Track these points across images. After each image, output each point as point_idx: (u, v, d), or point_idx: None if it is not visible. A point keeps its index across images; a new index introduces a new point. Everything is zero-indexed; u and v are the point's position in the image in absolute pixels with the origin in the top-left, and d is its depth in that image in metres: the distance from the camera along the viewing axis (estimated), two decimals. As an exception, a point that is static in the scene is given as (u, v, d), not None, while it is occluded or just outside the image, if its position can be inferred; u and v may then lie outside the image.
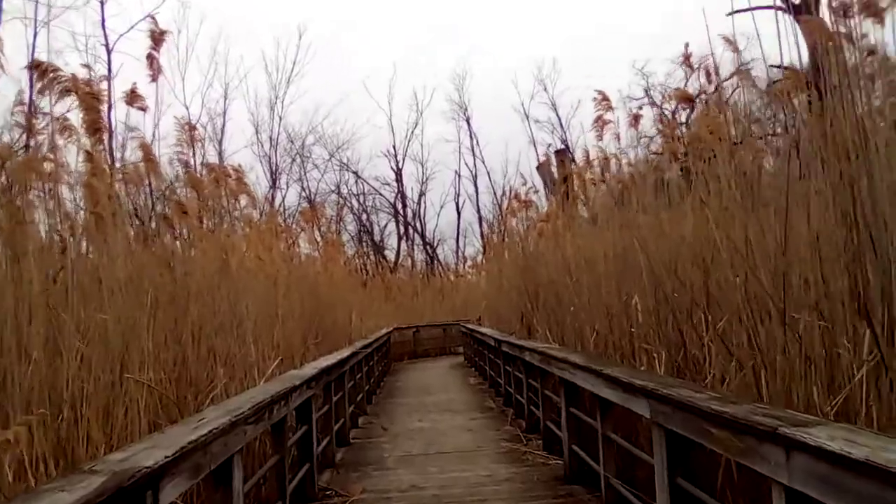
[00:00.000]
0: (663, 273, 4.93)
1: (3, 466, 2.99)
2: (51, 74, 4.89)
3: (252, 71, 40.31)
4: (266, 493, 4.58)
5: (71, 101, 5.59)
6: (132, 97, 6.91)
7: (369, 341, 10.94)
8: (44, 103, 5.38)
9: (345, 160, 36.00)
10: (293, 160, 34.75)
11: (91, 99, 5.19)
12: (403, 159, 37.13)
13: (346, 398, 7.52)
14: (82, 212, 5.58)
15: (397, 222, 37.19)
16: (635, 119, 7.36)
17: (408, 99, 40.94)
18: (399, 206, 37.12)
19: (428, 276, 30.39)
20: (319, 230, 18.56)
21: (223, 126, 30.59)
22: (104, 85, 6.64)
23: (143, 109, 7.00)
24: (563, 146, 29.14)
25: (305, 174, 35.22)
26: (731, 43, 5.55)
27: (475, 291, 21.52)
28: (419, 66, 47.63)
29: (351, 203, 36.66)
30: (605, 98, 7.27)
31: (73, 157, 5.56)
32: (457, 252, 36.39)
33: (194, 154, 8.63)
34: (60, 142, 5.70)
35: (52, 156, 5.11)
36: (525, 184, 14.95)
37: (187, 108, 26.09)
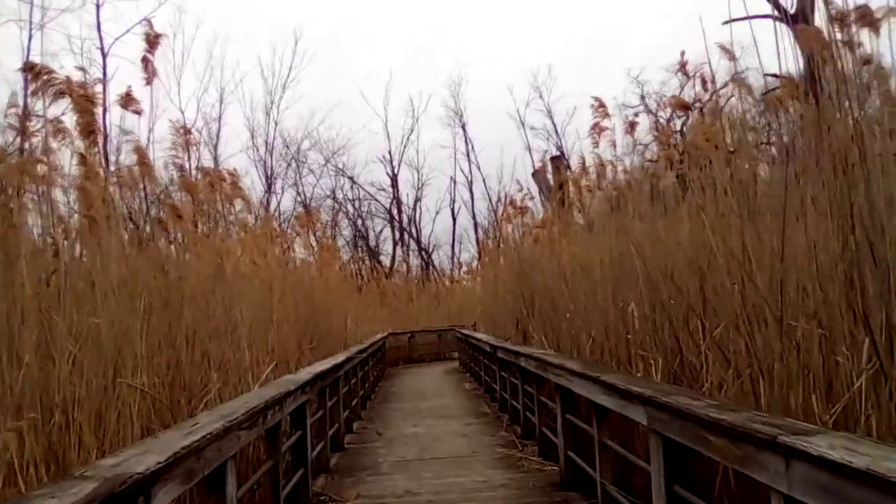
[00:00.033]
0: (659, 279, 4.92)
1: (-6, 471, 2.96)
2: (45, 77, 4.87)
3: (248, 75, 40.41)
4: (260, 498, 4.54)
5: (65, 103, 5.58)
6: (127, 100, 6.88)
7: (364, 346, 10.91)
8: (38, 106, 5.36)
9: (340, 165, 36.03)
10: (289, 165, 34.77)
11: (85, 101, 5.17)
12: (399, 165, 37.18)
13: (341, 403, 7.48)
14: (76, 215, 5.56)
15: (393, 228, 37.19)
16: (631, 126, 7.38)
17: (404, 105, 40.88)
18: (395, 211, 37.12)
19: (423, 281, 30.37)
20: (315, 235, 18.55)
21: (219, 130, 30.58)
22: (99, 88, 6.59)
23: (138, 113, 6.97)
24: (558, 153, 29.20)
25: (301, 179, 35.23)
26: (727, 51, 5.57)
27: (470, 297, 21.49)
28: (415, 73, 47.70)
29: (346, 208, 36.67)
30: (602, 105, 7.29)
31: (67, 160, 5.54)
32: (452, 258, 36.43)
33: (189, 158, 8.60)
34: (54, 144, 5.68)
35: (45, 158, 5.07)
36: (521, 190, 14.93)
37: (183, 113, 26.04)
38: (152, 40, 6.99)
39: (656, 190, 6.80)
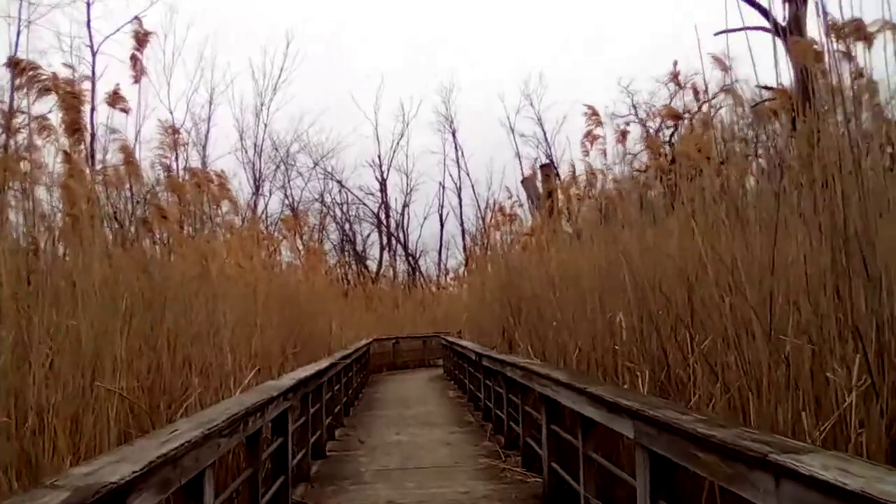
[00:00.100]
0: (648, 290, 4.90)
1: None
2: (30, 73, 4.78)
3: (238, 77, 40.15)
4: (238, 506, 4.46)
5: (52, 100, 5.50)
6: (114, 98, 6.80)
7: (349, 352, 10.82)
8: (25, 102, 5.27)
9: (329, 169, 35.92)
10: (277, 167, 34.61)
11: (71, 99, 5.09)
12: (388, 170, 37.14)
13: (324, 410, 7.39)
14: (60, 214, 5.46)
15: (380, 232, 37.09)
16: (623, 135, 7.39)
17: (394, 109, 41.02)
18: (382, 216, 37.04)
19: (409, 287, 30.30)
20: (302, 238, 18.46)
21: (207, 131, 30.37)
22: (86, 85, 6.51)
23: (126, 111, 6.90)
24: (547, 161, 29.27)
25: (289, 182, 35.08)
26: (719, 61, 5.58)
27: (456, 304, 21.44)
28: (406, 78, 47.77)
29: (334, 212, 36.55)
30: (595, 113, 7.29)
31: (51, 158, 5.46)
32: (439, 264, 36.37)
33: (177, 158, 8.52)
34: (39, 142, 5.59)
35: (28, 155, 4.98)
36: (510, 197, 14.92)
37: (172, 113, 25.83)
38: (141, 38, 6.92)
39: (645, 199, 6.80)
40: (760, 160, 5.77)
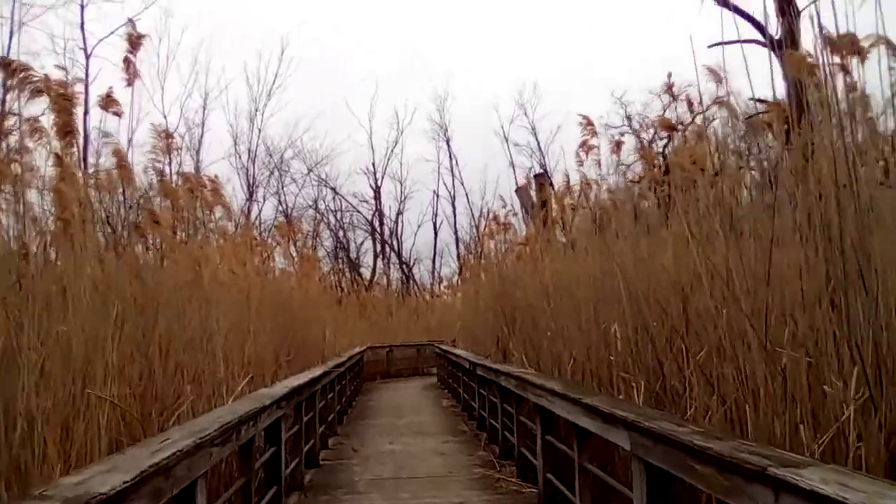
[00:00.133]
0: (642, 301, 4.89)
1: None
2: (21, 74, 4.74)
3: (233, 82, 40.07)
4: (230, 516, 4.41)
5: (44, 103, 5.45)
6: (107, 101, 6.77)
7: (342, 360, 10.77)
8: (16, 104, 5.23)
9: (323, 175, 35.86)
10: (271, 173, 34.51)
11: (63, 101, 5.05)
12: (382, 177, 37.12)
13: (317, 418, 7.34)
14: (52, 217, 5.42)
15: (374, 240, 37.05)
16: (617, 146, 7.41)
17: (389, 117, 40.92)
18: (376, 223, 37.01)
19: (403, 295, 30.25)
20: (295, 245, 18.39)
21: (201, 136, 30.24)
22: (79, 88, 6.45)
23: (119, 115, 6.86)
24: (541, 170, 29.34)
25: (283, 188, 35.00)
26: (714, 73, 5.60)
27: (450, 312, 21.40)
28: (401, 86, 47.89)
29: (328, 219, 36.47)
30: (590, 123, 7.31)
31: (43, 161, 5.41)
32: (433, 272, 36.33)
33: (170, 163, 8.48)
34: (30, 144, 5.55)
35: (19, 158, 4.93)
36: (504, 206, 14.93)
37: (165, 117, 25.73)
38: (134, 41, 6.90)
39: (639, 210, 6.81)
40: (753, 172, 5.80)
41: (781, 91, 4.91)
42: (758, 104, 5.59)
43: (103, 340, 4.24)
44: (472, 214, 34.36)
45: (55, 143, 5.56)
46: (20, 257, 4.53)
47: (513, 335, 8.61)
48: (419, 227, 36.94)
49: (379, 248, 36.87)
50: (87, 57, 20.97)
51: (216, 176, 11.84)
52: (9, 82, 4.92)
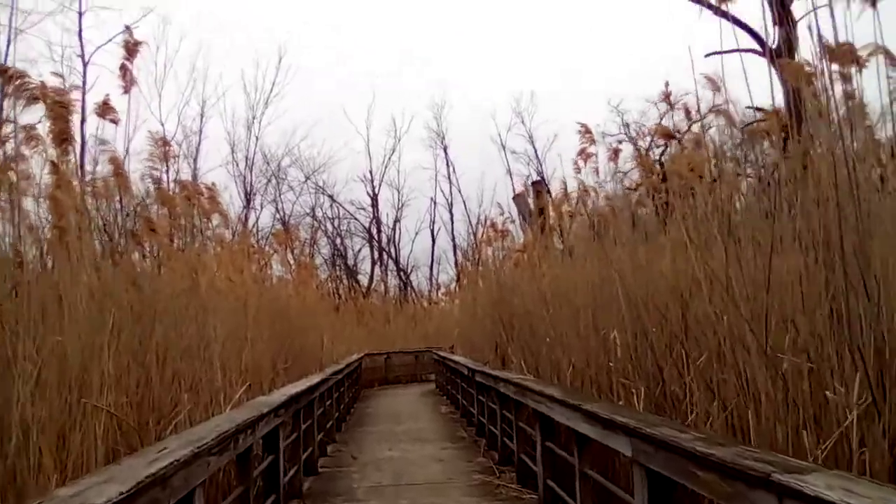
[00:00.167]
0: (641, 307, 4.88)
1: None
2: (17, 81, 4.71)
3: (230, 90, 39.95)
4: (228, 526, 4.37)
5: (40, 110, 5.43)
6: (104, 109, 6.74)
7: (340, 367, 10.72)
8: (13, 112, 5.21)
9: (321, 183, 35.83)
10: (268, 181, 34.47)
11: (59, 108, 5.03)
12: (380, 185, 37.09)
13: (315, 426, 7.31)
14: (48, 225, 5.39)
15: (371, 247, 37.00)
16: (615, 153, 7.41)
17: (386, 125, 41.00)
18: (374, 230, 36.97)
19: (401, 302, 30.18)
20: (293, 253, 18.36)
21: (198, 144, 30.21)
22: (75, 95, 6.42)
23: (115, 122, 6.83)
24: (539, 178, 29.35)
25: (280, 196, 34.95)
26: (711, 82, 5.61)
27: (448, 319, 21.36)
28: (398, 93, 47.93)
29: (325, 226, 36.42)
30: (588, 131, 7.31)
31: (39, 168, 5.39)
32: (430, 279, 36.28)
33: (167, 170, 8.45)
34: (27, 152, 5.52)
35: (14, 166, 4.91)
36: (502, 213, 14.90)
37: (163, 125, 25.69)
38: (131, 48, 6.87)
39: (637, 217, 6.81)
40: (750, 179, 5.81)
41: (779, 99, 4.93)
42: (756, 112, 5.60)
43: (99, 349, 4.21)
44: (470, 222, 34.38)
45: (51, 151, 5.54)
46: (15, 265, 4.51)
47: (511, 342, 8.59)
48: (417, 234, 36.96)
49: (376, 255, 36.84)
50: (85, 65, 20.98)
51: (213, 183, 11.81)
52: (5, 89, 4.89)
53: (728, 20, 4.85)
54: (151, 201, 8.21)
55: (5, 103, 5.04)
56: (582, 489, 4.18)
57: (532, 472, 5.61)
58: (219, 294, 7.27)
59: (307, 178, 35.31)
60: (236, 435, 3.64)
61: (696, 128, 7.18)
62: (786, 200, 3.75)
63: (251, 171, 33.36)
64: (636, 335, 4.91)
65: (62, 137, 5.45)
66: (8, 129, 5.19)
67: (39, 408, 3.56)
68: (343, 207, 36.50)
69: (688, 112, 7.26)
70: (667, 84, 8.04)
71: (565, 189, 9.86)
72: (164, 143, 9.26)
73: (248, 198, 32.91)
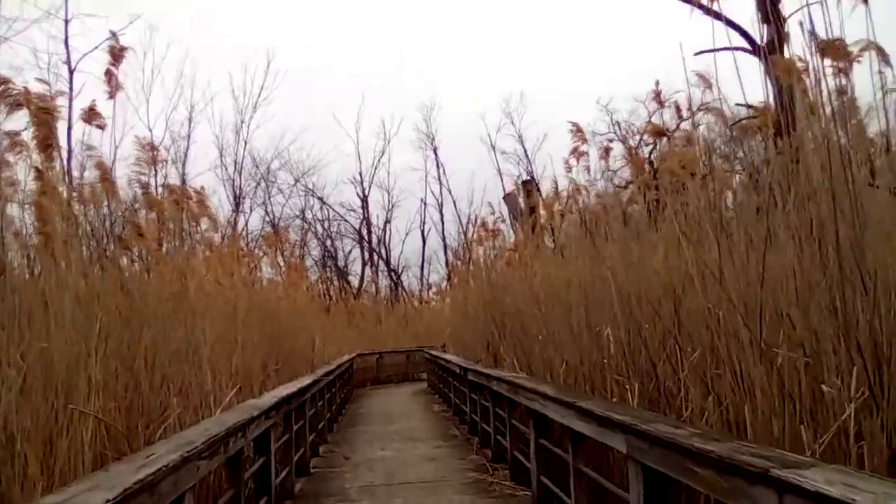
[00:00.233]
0: (634, 304, 4.86)
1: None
2: (0, 87, 4.65)
3: (218, 95, 39.65)
4: (220, 530, 4.31)
5: (24, 117, 5.36)
6: (90, 114, 6.67)
7: (331, 368, 10.67)
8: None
9: (310, 186, 35.71)
10: (258, 184, 34.31)
11: (43, 114, 4.96)
12: (370, 186, 37.02)
13: (307, 427, 7.26)
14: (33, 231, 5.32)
15: (362, 248, 36.92)
16: (606, 152, 7.41)
17: (375, 127, 40.86)
18: (364, 232, 36.88)
19: (392, 302, 30.12)
20: (283, 255, 18.28)
21: (187, 149, 29.95)
22: (60, 101, 6.33)
23: (102, 127, 6.75)
24: (529, 177, 29.36)
25: (270, 199, 34.80)
26: (703, 79, 5.61)
27: (439, 318, 21.34)
28: (388, 95, 47.82)
29: (315, 228, 36.31)
30: (580, 130, 7.30)
31: (24, 175, 5.32)
32: (421, 279, 36.24)
33: (155, 175, 8.37)
34: (11, 158, 5.45)
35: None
36: (493, 213, 14.88)
37: (151, 130, 25.47)
38: (117, 53, 6.80)
39: (628, 214, 6.80)
40: (740, 175, 5.82)
41: (770, 95, 4.93)
42: (748, 109, 5.61)
43: (87, 354, 4.15)
44: (461, 222, 34.36)
45: (36, 157, 5.47)
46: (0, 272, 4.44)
47: (503, 340, 8.57)
48: (407, 234, 36.90)
49: (367, 256, 36.75)
50: (71, 72, 20.76)
51: (202, 187, 11.74)
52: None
53: (721, 21, 4.85)
54: (139, 206, 8.13)
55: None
56: (576, 486, 4.16)
57: (525, 469, 5.59)
58: (208, 297, 7.21)
59: (297, 180, 35.23)
60: (226, 438, 3.59)
61: (686, 125, 7.20)
62: (778, 194, 3.73)
63: (240, 175, 33.21)
64: (629, 332, 4.89)
65: (46, 143, 5.38)
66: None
67: (24, 415, 3.49)
68: (333, 209, 36.45)
69: (678, 110, 7.26)
70: (657, 83, 8.05)
71: (556, 188, 9.86)
72: (152, 147, 9.17)
73: (238, 201, 32.75)
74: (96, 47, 18.56)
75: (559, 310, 6.65)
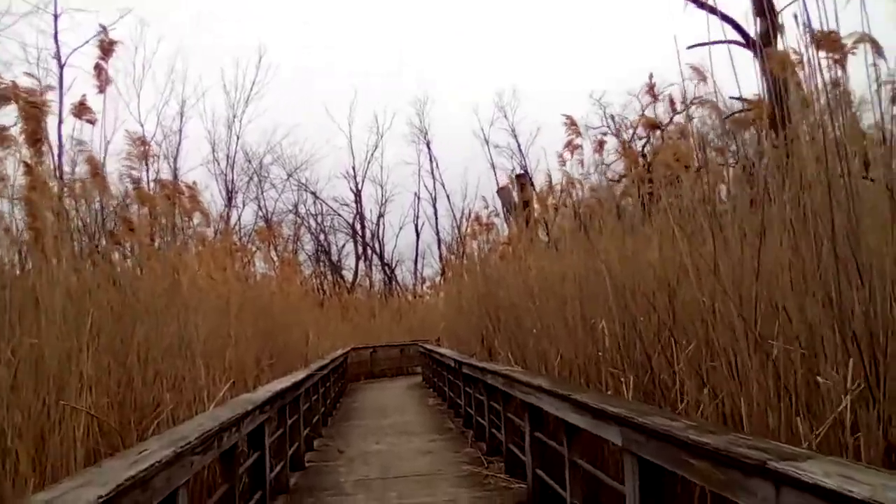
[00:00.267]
0: (628, 296, 4.86)
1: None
2: (-14, 81, 4.59)
3: (210, 90, 39.41)
4: (214, 525, 4.29)
5: (13, 112, 5.31)
6: (81, 109, 6.60)
7: (325, 362, 10.66)
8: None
9: (303, 180, 35.58)
10: (250, 179, 34.17)
11: (32, 108, 4.90)
12: (363, 181, 36.92)
13: (301, 421, 7.25)
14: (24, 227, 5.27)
15: (355, 243, 36.85)
16: (600, 145, 7.41)
17: (368, 122, 40.65)
18: (357, 226, 36.81)
19: (386, 296, 30.12)
20: (276, 249, 18.21)
21: (178, 143, 29.76)
22: (50, 96, 6.26)
23: (92, 122, 6.69)
24: (522, 171, 29.33)
25: (262, 193, 34.68)
26: (697, 72, 5.60)
27: (433, 312, 21.35)
28: (380, 89, 47.69)
29: (309, 223, 36.21)
30: (574, 123, 7.29)
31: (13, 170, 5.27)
32: (415, 273, 36.21)
33: (147, 170, 8.32)
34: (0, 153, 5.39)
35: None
36: (486, 207, 14.86)
37: (142, 125, 25.28)
38: (106, 47, 6.73)
39: (622, 208, 6.80)
40: (733, 167, 5.82)
41: (764, 88, 4.93)
42: (742, 102, 5.61)
43: (78, 350, 4.12)
44: (454, 216, 34.34)
45: (25, 152, 5.42)
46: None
47: (498, 334, 8.57)
48: (401, 229, 36.87)
49: (360, 250, 36.70)
50: (61, 66, 20.56)
51: (194, 182, 11.65)
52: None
53: (716, 14, 4.84)
54: (131, 201, 8.08)
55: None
56: (572, 478, 4.17)
57: (521, 462, 5.59)
58: (201, 292, 7.18)
59: (289, 175, 35.10)
60: (220, 433, 3.57)
61: (680, 118, 7.20)
62: (772, 186, 3.73)
63: (233, 170, 33.06)
64: (624, 325, 4.89)
65: (35, 138, 5.32)
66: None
67: (15, 411, 3.46)
68: (326, 204, 36.35)
69: (672, 103, 7.26)
70: (650, 76, 8.05)
71: (550, 182, 9.85)
72: (143, 142, 9.11)
73: (230, 196, 32.62)
74: (87, 42, 18.40)
75: (554, 303, 6.65)
